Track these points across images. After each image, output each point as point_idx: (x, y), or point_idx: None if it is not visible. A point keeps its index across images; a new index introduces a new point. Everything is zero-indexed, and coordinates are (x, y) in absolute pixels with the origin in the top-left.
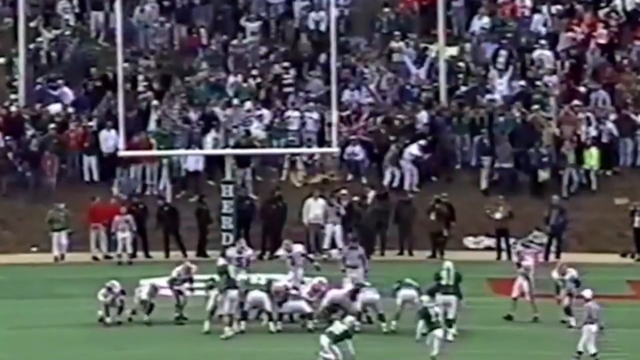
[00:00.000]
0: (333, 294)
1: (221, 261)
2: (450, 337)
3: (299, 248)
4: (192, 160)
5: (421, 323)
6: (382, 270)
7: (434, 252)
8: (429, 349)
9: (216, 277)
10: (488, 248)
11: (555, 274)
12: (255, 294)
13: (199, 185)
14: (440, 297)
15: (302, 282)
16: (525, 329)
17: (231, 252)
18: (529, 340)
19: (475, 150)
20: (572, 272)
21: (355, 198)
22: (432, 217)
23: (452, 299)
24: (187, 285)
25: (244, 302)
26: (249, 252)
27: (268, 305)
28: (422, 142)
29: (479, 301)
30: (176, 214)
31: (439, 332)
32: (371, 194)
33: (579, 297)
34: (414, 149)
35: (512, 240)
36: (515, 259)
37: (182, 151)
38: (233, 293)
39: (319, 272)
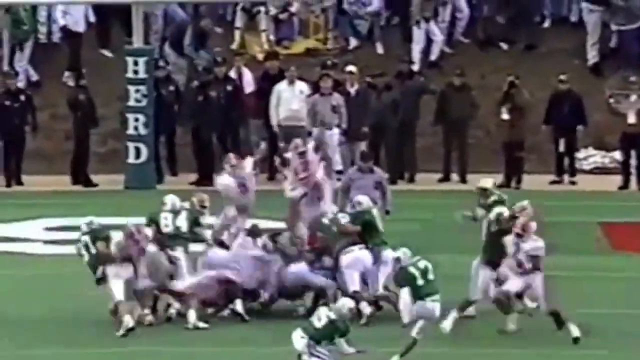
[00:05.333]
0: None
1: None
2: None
3: (248, 167)
4: (76, 12)
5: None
6: (412, 210)
7: (508, 177)
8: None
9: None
10: (601, 169)
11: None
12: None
13: (80, 55)
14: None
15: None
16: None
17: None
18: None
19: None
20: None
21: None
22: (504, 114)
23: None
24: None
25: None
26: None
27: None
28: None
29: (587, 263)
30: (31, 105)
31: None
32: (366, 79)
33: None
34: None
35: None
36: None
37: None
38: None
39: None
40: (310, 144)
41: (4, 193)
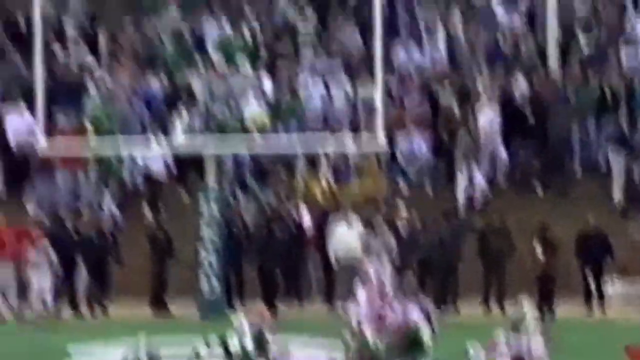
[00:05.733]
0: None
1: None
2: None
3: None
4: (157, 159)
5: None
6: (455, 337)
7: (541, 306)
8: None
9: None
10: (626, 298)
11: None
12: None
13: (160, 196)
14: None
15: None
16: None
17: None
18: None
19: (605, 143)
20: None
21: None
22: (539, 251)
23: None
24: None
25: None
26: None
27: None
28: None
29: None
30: (115, 242)
31: None
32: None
33: None
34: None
35: None
36: None
37: (141, 147)
38: None
39: None
40: (373, 275)
41: (91, 323)
